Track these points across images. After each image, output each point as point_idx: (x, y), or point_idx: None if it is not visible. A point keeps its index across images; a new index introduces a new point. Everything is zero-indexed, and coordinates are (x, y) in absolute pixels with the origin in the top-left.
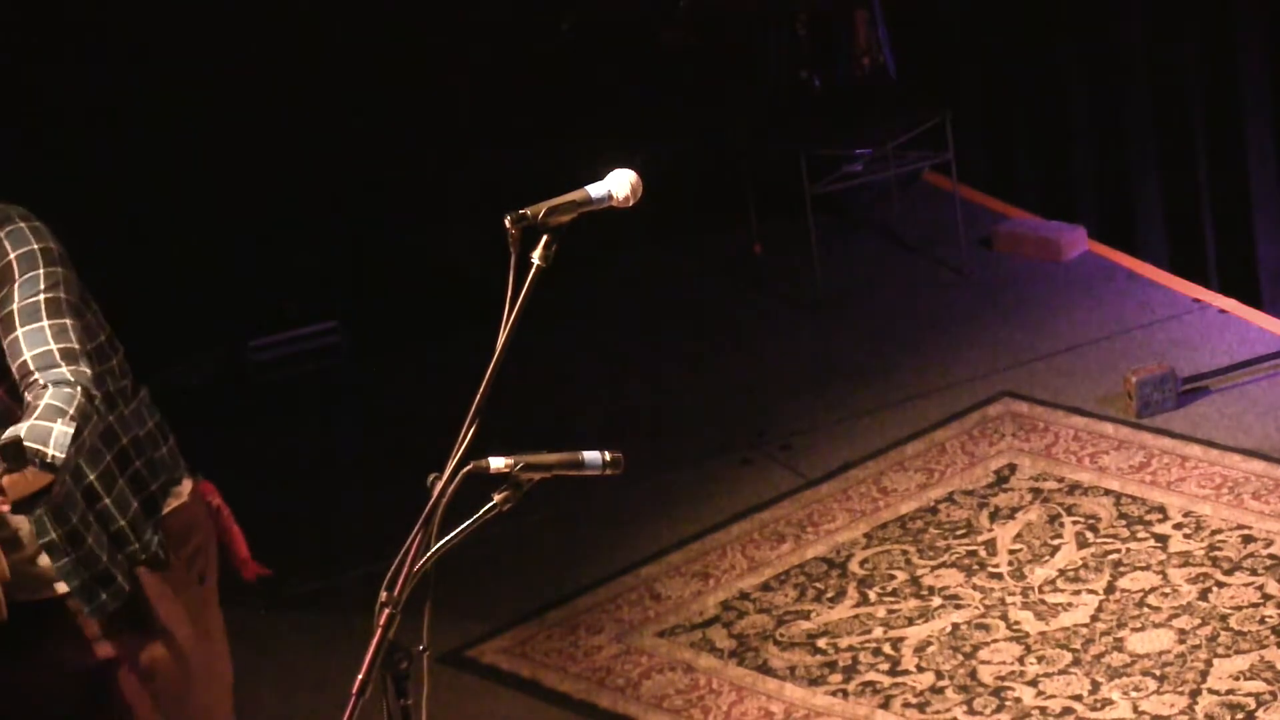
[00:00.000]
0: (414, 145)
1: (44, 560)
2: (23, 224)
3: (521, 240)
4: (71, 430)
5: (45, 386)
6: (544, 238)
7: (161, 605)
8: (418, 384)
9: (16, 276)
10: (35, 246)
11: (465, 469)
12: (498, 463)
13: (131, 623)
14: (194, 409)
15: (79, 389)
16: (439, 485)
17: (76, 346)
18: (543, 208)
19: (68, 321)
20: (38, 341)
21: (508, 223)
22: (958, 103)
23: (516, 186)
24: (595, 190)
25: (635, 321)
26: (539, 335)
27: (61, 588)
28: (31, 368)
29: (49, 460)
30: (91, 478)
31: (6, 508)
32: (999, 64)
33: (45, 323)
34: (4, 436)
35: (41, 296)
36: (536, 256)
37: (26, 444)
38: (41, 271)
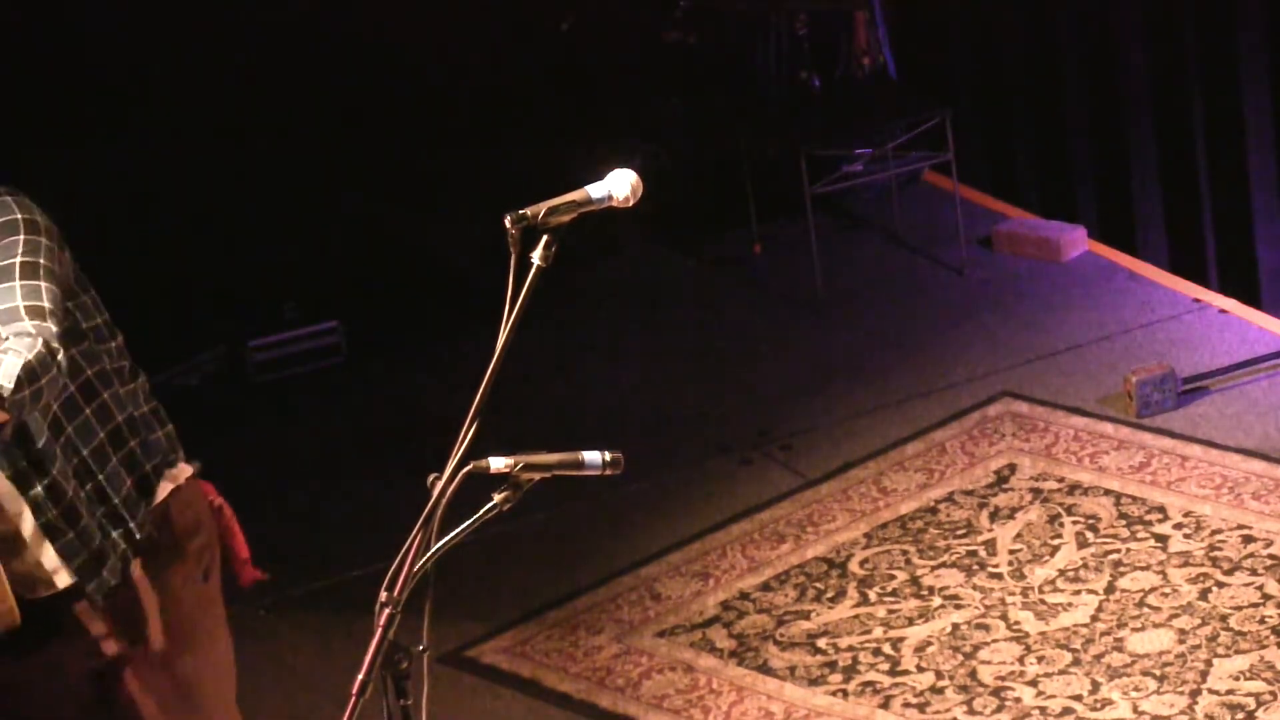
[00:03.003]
0: (414, 145)
1: (42, 553)
2: (9, 198)
3: (521, 240)
4: (21, 363)
5: (5, 339)
6: (544, 238)
7: (167, 602)
8: (418, 384)
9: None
10: (18, 216)
11: (465, 469)
12: (498, 463)
13: (137, 621)
14: (194, 409)
15: (40, 340)
16: (439, 485)
17: (46, 306)
18: (543, 208)
19: (42, 284)
20: (5, 299)
21: (508, 223)
22: (958, 103)
23: (516, 186)
24: (595, 190)
25: (635, 321)
26: (539, 335)
27: (61, 581)
28: None
29: None
30: (85, 453)
31: None
32: (999, 64)
33: (17, 283)
34: None
35: (17, 260)
36: (536, 256)
37: None
38: (21, 238)
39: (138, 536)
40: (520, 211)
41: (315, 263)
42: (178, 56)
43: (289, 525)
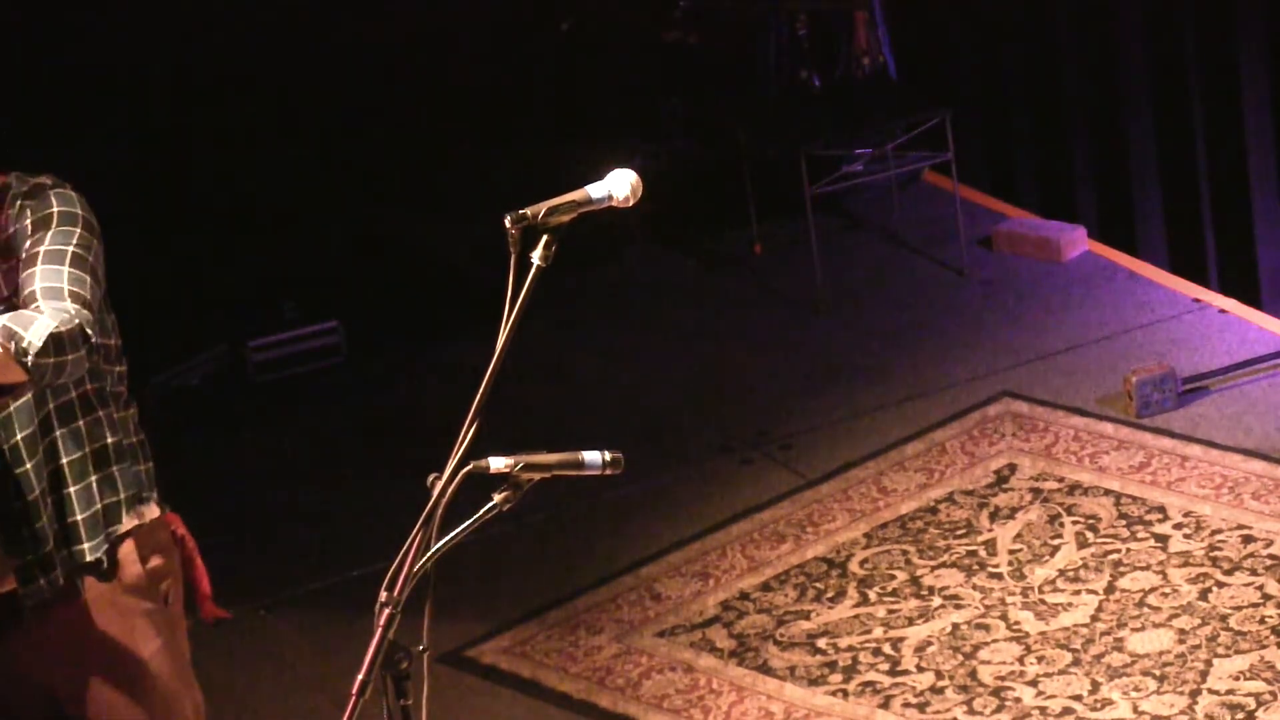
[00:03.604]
0: (414, 145)
1: None
2: (74, 194)
3: (521, 240)
4: (52, 327)
5: (42, 311)
6: (544, 238)
7: (127, 621)
8: (418, 384)
9: (54, 225)
10: (79, 212)
11: (465, 469)
12: (498, 463)
13: (95, 639)
14: (194, 409)
15: (76, 319)
16: (439, 485)
17: (88, 297)
18: (543, 208)
19: (88, 278)
20: (51, 279)
21: (508, 223)
22: (958, 103)
23: (516, 186)
24: (595, 190)
25: (635, 321)
26: (539, 335)
27: (10, 584)
28: (37, 297)
29: (24, 345)
30: (64, 461)
31: None
32: (999, 64)
33: (66, 268)
34: None
35: (71, 248)
36: (536, 256)
37: (4, 322)
38: (79, 230)
39: (88, 560)
40: (520, 211)
41: (315, 263)
42: (178, 56)
43: (289, 525)
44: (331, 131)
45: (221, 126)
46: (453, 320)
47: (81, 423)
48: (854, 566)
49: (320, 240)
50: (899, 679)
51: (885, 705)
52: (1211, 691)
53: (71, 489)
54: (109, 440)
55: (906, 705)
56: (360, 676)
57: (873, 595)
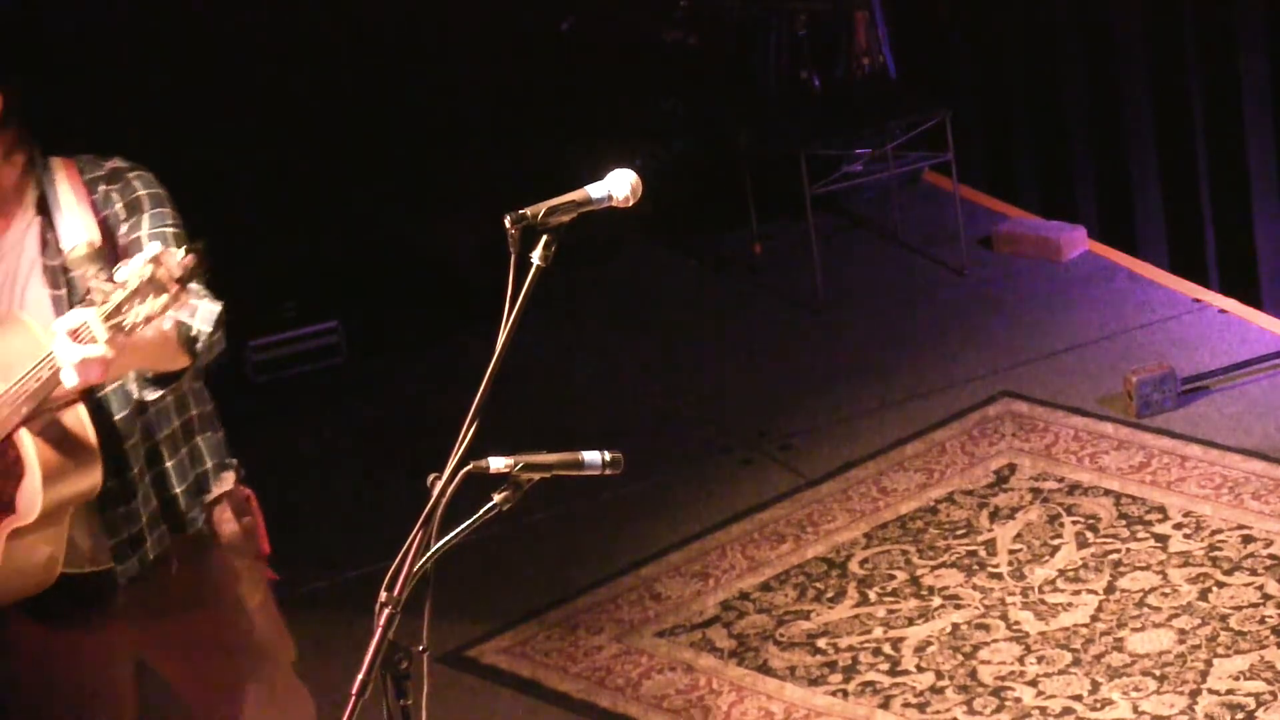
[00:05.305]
0: (414, 145)
1: (90, 524)
2: (152, 175)
3: (521, 240)
4: (217, 310)
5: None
6: (544, 238)
7: (232, 579)
8: (418, 384)
9: (146, 208)
10: (163, 193)
11: (465, 469)
12: (498, 463)
13: (170, 610)
14: None
15: (216, 298)
16: (439, 485)
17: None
18: (543, 208)
19: None
20: None
21: (508, 223)
22: (958, 103)
23: (517, 186)
24: (595, 190)
25: (635, 321)
26: (539, 335)
27: (99, 558)
28: None
29: (193, 333)
30: (160, 437)
31: (181, 296)
32: (999, 64)
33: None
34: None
35: (170, 229)
36: (536, 256)
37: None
38: (170, 211)
39: (190, 530)
40: (520, 211)
41: (315, 263)
42: (176, 55)
43: (289, 525)
44: (332, 131)
45: (222, 126)
46: (453, 320)
47: (172, 398)
48: (854, 566)
49: (320, 240)
50: (899, 679)
51: (885, 705)
52: (1211, 691)
53: (169, 463)
54: (194, 412)
55: (906, 705)
56: (360, 676)
57: (873, 595)
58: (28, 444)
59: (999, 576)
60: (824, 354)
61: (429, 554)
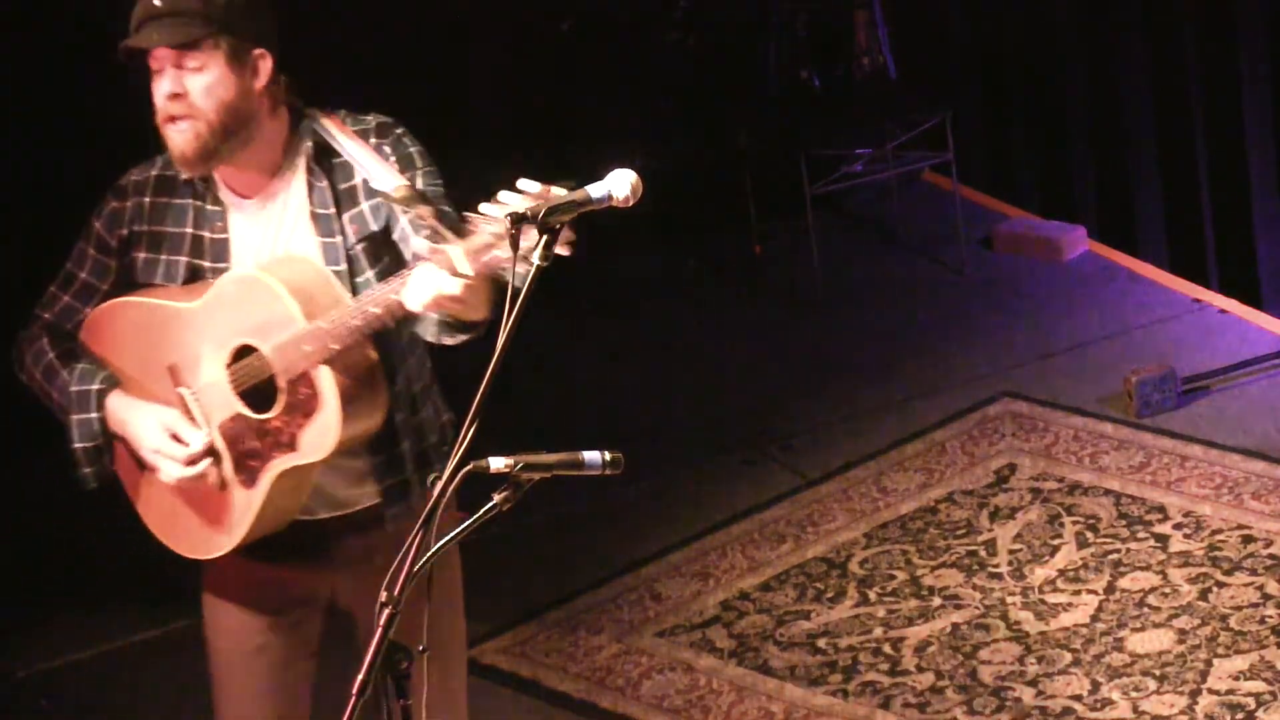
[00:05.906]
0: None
1: (363, 464)
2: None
3: (521, 240)
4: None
5: None
6: (544, 238)
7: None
8: None
9: (419, 165)
10: (426, 151)
11: (465, 469)
12: (498, 463)
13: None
14: None
15: None
16: (439, 485)
17: None
18: (543, 208)
19: None
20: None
21: (507, 223)
22: (958, 103)
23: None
24: (595, 190)
25: (635, 321)
26: (540, 335)
27: (367, 497)
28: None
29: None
30: (416, 389)
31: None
32: (999, 64)
33: (450, 209)
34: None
35: (441, 189)
36: (536, 256)
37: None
38: (436, 170)
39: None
40: (520, 211)
41: None
42: None
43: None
44: None
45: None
46: None
47: (413, 358)
48: (854, 566)
49: None
50: (899, 679)
51: (885, 705)
52: (1211, 691)
53: (423, 414)
54: (427, 380)
55: (906, 705)
56: (360, 676)
57: (873, 595)
58: (328, 381)
59: (999, 576)
60: (824, 354)
61: (429, 554)
